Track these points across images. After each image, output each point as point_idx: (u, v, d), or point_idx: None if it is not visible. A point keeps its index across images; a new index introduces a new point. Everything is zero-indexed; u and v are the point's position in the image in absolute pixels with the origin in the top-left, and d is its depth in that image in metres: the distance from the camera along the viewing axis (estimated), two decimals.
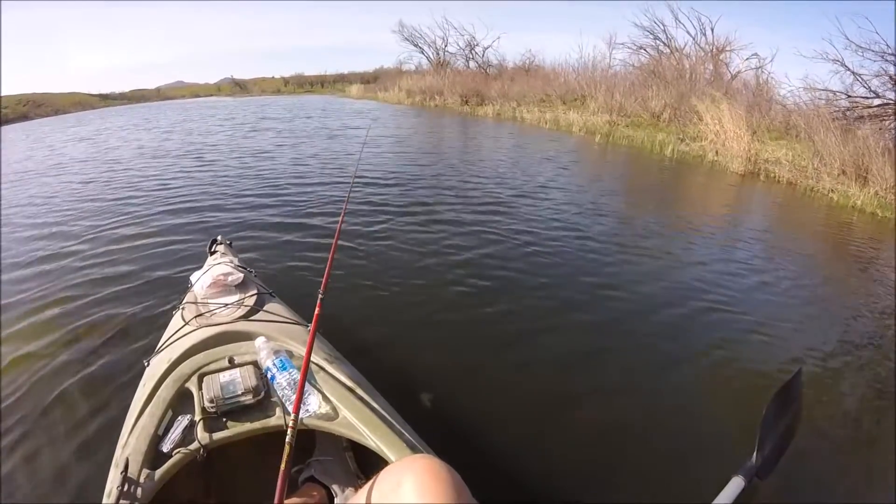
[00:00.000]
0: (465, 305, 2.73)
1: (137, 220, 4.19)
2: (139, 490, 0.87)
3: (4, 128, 15.84)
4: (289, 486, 1.01)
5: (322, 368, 1.15)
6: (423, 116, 14.64)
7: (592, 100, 12.27)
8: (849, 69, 8.88)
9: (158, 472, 0.90)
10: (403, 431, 1.03)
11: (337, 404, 1.04)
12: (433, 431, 1.21)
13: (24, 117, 19.34)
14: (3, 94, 21.05)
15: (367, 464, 1.18)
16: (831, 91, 9.05)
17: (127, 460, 0.90)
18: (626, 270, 3.36)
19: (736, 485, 1.03)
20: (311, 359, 1.18)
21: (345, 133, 10.25)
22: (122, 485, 0.85)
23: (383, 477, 0.70)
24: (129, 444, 0.96)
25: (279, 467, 0.76)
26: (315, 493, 0.98)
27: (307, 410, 1.02)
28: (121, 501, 0.82)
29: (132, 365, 1.99)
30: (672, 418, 1.93)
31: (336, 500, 1.04)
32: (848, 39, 8.79)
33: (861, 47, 8.73)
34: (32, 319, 2.53)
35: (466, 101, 16.08)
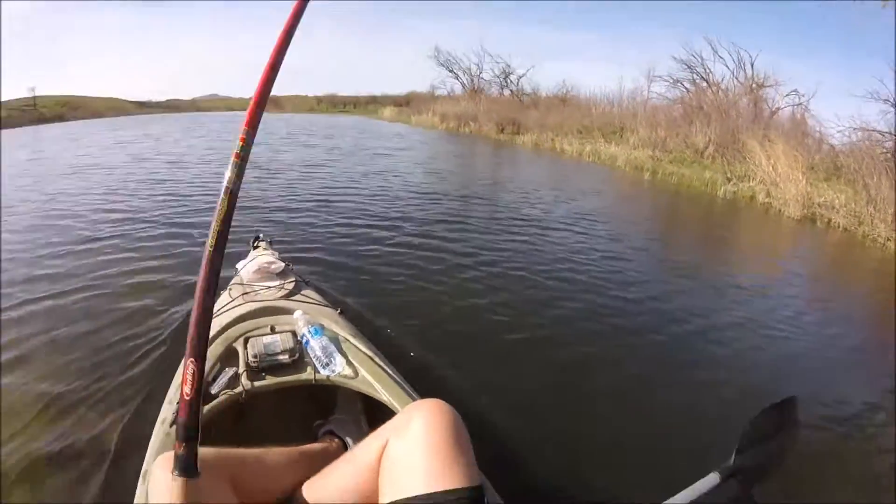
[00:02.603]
0: (479, 310, 2.93)
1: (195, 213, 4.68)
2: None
3: (45, 126, 16.45)
4: (311, 437, 1.22)
5: (347, 339, 1.35)
6: (460, 143, 14.80)
7: (633, 133, 12.43)
8: None
9: (206, 407, 1.04)
10: (413, 392, 1.20)
11: (357, 366, 1.23)
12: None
13: (60, 118, 19.59)
14: (41, 94, 21.36)
15: (378, 425, 1.40)
16: (879, 132, 9.06)
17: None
18: (688, 306, 3.37)
19: (710, 480, 1.03)
20: (338, 332, 1.37)
21: (392, 154, 10.61)
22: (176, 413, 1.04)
23: (395, 418, 0.82)
24: None
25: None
26: (333, 444, 1.15)
27: (333, 370, 1.20)
28: (173, 427, 0.94)
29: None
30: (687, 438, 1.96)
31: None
32: None
33: None
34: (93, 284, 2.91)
35: (503, 129, 16.38)
